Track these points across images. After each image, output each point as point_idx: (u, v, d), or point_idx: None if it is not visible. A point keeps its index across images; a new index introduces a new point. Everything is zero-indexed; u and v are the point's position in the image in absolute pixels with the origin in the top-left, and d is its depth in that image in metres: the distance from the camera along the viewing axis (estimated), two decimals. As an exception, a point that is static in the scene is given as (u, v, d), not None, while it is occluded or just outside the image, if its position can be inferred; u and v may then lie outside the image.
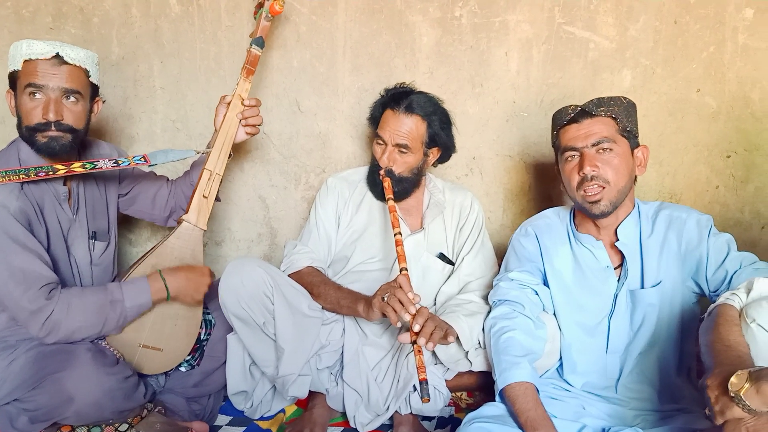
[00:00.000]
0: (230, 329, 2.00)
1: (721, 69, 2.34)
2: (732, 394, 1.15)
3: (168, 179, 2.21)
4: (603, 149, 1.70)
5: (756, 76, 2.32)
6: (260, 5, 2.05)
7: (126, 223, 2.59)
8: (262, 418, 2.06)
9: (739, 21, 2.29)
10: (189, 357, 2.00)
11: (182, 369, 2.00)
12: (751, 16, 2.28)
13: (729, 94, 2.35)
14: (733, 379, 1.16)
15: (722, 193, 2.45)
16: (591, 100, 1.75)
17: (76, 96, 1.79)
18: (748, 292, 1.45)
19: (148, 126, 2.52)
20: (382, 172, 2.04)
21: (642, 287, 1.75)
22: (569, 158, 1.75)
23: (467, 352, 1.88)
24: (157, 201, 2.16)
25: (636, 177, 1.79)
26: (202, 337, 2.01)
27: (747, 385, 1.13)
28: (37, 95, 1.73)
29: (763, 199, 2.42)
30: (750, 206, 2.43)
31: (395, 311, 1.73)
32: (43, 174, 1.71)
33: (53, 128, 1.74)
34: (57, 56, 1.73)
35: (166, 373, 2.02)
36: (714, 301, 1.53)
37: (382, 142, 2.06)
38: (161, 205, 2.17)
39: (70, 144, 1.79)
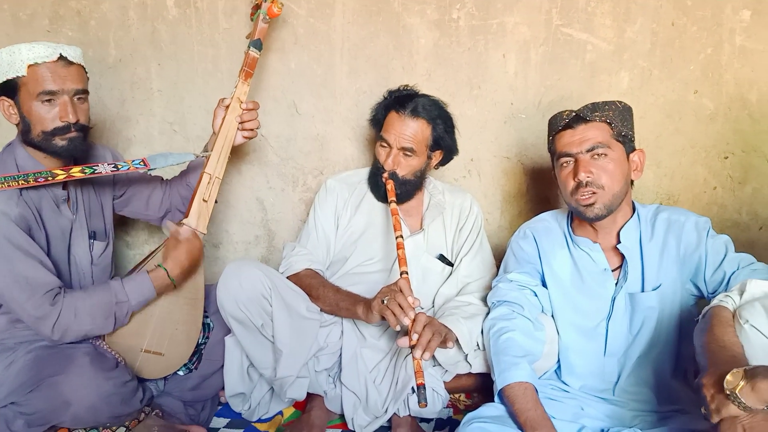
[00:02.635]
0: (228, 332, 2.00)
1: (719, 71, 2.34)
2: (728, 392, 1.16)
3: (162, 179, 2.21)
4: (598, 155, 1.71)
5: (753, 77, 2.33)
6: (257, 7, 2.05)
7: (123, 225, 2.59)
8: (259, 420, 2.05)
9: (736, 23, 2.29)
10: (187, 361, 1.99)
11: (180, 373, 2.00)
12: (748, 17, 2.28)
13: (726, 95, 2.35)
14: (728, 377, 1.16)
15: (720, 194, 2.45)
16: (586, 105, 1.76)
17: (84, 95, 1.80)
18: (741, 293, 1.46)
19: (145, 128, 2.51)
20: (385, 174, 2.04)
21: (642, 290, 1.76)
22: (564, 164, 1.76)
23: (467, 354, 1.88)
24: (151, 202, 2.16)
25: (633, 181, 1.80)
26: (200, 340, 2.01)
27: (742, 383, 1.14)
28: (54, 100, 1.73)
29: (761, 200, 2.42)
30: (747, 207, 2.44)
31: (395, 315, 1.73)
32: (42, 179, 1.71)
33: (73, 130, 1.76)
34: (62, 57, 1.73)
35: (165, 377, 2.01)
36: (702, 312, 1.54)
37: (386, 145, 2.06)
38: (156, 206, 2.17)
39: (84, 142, 1.82)
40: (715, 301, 1.50)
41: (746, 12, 2.28)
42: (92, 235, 1.96)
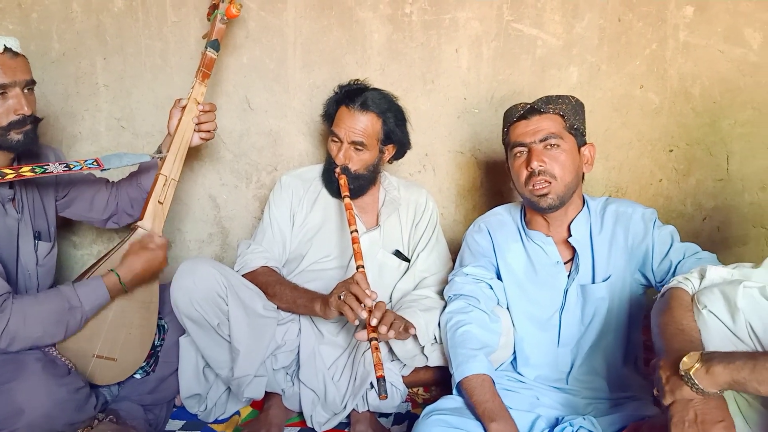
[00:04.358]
0: (184, 333, 1.96)
1: (663, 65, 2.41)
2: (682, 373, 1.17)
3: (108, 181, 2.15)
4: (550, 145, 1.74)
5: (696, 72, 2.41)
6: (215, 7, 2.01)
7: (69, 225, 2.51)
8: (216, 421, 2.02)
9: (679, 19, 2.36)
10: (144, 364, 1.95)
11: (137, 376, 1.95)
12: (691, 13, 2.36)
13: (671, 90, 2.43)
14: (684, 358, 1.17)
15: (665, 186, 2.53)
16: (540, 98, 1.79)
17: (33, 85, 1.75)
18: (701, 278, 1.49)
19: (91, 124, 2.44)
20: (337, 169, 2.03)
21: (593, 282, 1.80)
22: (518, 154, 1.78)
23: (423, 347, 1.89)
24: (95, 203, 2.10)
25: (583, 174, 1.83)
26: (156, 342, 1.96)
27: (698, 365, 1.15)
28: (6, 93, 1.66)
29: (704, 191, 2.51)
30: (692, 198, 2.52)
31: (352, 309, 1.73)
32: None
33: (28, 123, 1.70)
34: (7, 49, 1.66)
35: (119, 383, 1.96)
36: (660, 291, 1.58)
37: (337, 140, 2.05)
38: (100, 208, 2.11)
39: (36, 136, 1.75)
40: (674, 282, 1.51)
41: (689, 8, 2.35)
42: (37, 236, 1.89)
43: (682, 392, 1.18)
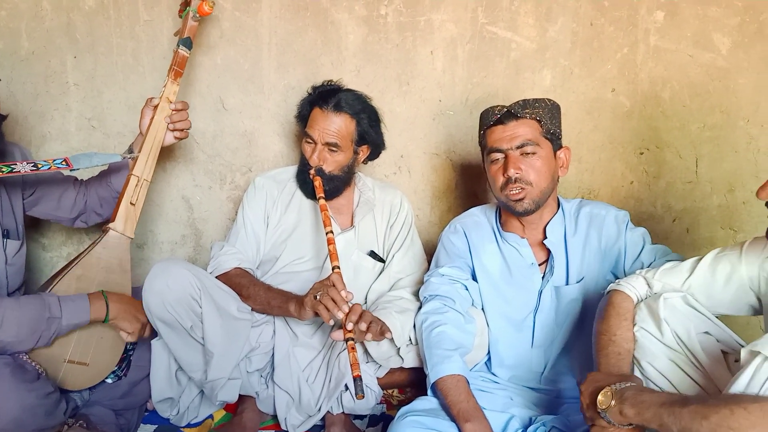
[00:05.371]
0: (156, 336, 1.93)
1: (634, 69, 2.44)
2: (599, 411, 1.29)
3: (76, 179, 2.11)
4: (527, 152, 1.75)
5: (666, 76, 2.44)
6: (186, 4, 1.98)
7: (38, 226, 2.46)
8: (189, 425, 2.00)
9: (650, 23, 2.40)
10: (116, 368, 1.92)
11: (108, 381, 1.92)
12: (662, 18, 2.39)
13: (641, 93, 2.46)
14: (600, 396, 1.30)
15: (636, 188, 2.56)
16: (517, 102, 1.79)
17: None
18: (648, 285, 1.56)
19: (60, 124, 2.39)
20: (312, 171, 2.03)
21: (567, 284, 1.82)
22: (495, 160, 1.79)
23: (399, 348, 1.89)
24: (62, 202, 2.05)
25: (558, 177, 1.85)
26: (128, 346, 1.93)
27: (612, 404, 1.26)
28: None
29: (674, 193, 2.55)
30: (662, 200, 2.56)
31: (328, 309, 1.72)
32: None
33: None
34: None
35: (90, 388, 1.93)
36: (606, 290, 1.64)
37: (311, 141, 2.05)
38: (67, 207, 2.06)
39: (1, 134, 1.72)
40: (614, 285, 1.59)
41: (660, 13, 2.39)
42: (5, 234, 1.84)
43: (599, 422, 1.31)
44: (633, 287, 1.55)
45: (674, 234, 2.57)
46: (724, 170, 2.52)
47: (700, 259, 1.52)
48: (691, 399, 1.16)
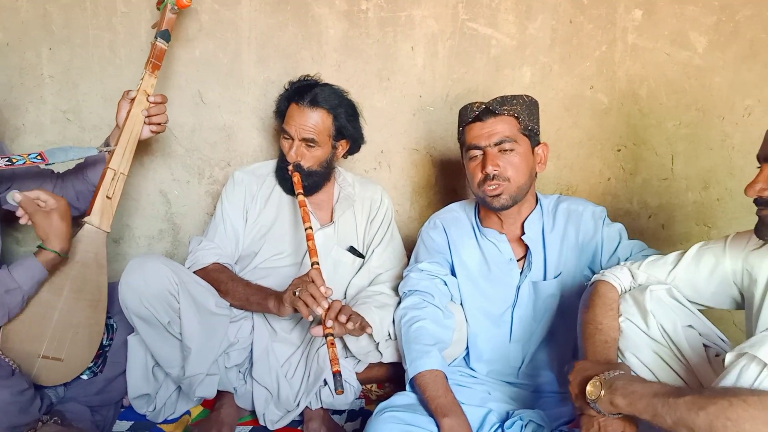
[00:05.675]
0: (133, 332, 1.91)
1: (612, 67, 2.47)
2: (588, 401, 1.28)
3: (53, 172, 2.08)
4: (505, 149, 1.76)
5: (644, 74, 2.47)
6: None
7: (12, 221, 2.41)
8: (165, 422, 1.99)
9: (628, 22, 2.42)
10: (91, 364, 1.89)
11: (84, 377, 1.89)
12: (639, 17, 2.42)
13: (619, 91, 2.49)
14: (589, 386, 1.29)
15: (613, 184, 2.59)
16: (495, 99, 1.80)
17: None
18: (633, 276, 1.57)
19: (35, 117, 2.35)
20: (290, 167, 2.01)
21: (544, 279, 1.83)
22: (473, 156, 1.80)
23: (378, 343, 1.89)
24: None
25: (536, 173, 1.86)
26: (104, 342, 1.91)
27: (602, 393, 1.26)
28: None
29: (650, 190, 2.58)
30: (638, 197, 2.59)
31: (307, 305, 1.72)
32: None
33: None
34: None
35: (65, 384, 1.90)
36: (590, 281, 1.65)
37: (288, 137, 2.03)
38: None
39: None
40: (600, 275, 1.61)
41: (638, 11, 2.42)
42: None
43: (588, 411, 1.30)
44: (617, 278, 1.57)
45: (650, 230, 2.61)
46: (699, 167, 2.56)
47: (684, 252, 1.53)
48: (685, 390, 1.16)
